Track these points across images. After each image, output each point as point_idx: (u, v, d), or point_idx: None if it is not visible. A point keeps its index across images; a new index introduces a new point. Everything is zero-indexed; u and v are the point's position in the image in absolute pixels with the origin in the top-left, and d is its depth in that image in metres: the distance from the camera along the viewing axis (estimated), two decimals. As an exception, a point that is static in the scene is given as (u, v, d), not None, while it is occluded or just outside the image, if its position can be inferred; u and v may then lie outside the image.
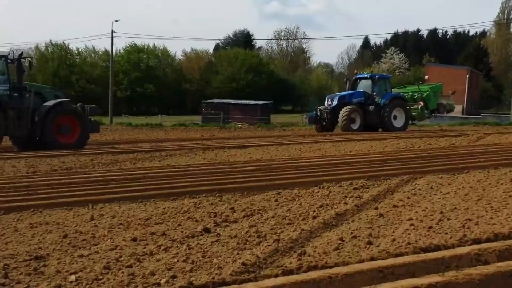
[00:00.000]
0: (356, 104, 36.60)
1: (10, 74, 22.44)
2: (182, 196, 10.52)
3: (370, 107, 36.66)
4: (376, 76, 38.85)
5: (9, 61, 22.79)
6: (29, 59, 25.60)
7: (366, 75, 39.97)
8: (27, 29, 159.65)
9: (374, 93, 37.44)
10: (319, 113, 37.40)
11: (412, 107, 39.30)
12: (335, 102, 36.90)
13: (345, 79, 43.39)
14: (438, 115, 43.02)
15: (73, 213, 9.02)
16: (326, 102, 37.91)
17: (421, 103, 39.41)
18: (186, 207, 9.45)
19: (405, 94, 39.98)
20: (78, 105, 24.25)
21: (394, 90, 40.58)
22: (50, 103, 22.60)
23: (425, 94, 39.83)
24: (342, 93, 39.46)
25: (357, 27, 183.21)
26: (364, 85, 38.41)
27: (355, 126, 35.78)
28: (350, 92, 38.11)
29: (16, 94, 22.11)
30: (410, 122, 39.00)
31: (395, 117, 37.25)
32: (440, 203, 9.50)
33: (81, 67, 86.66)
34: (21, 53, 24.86)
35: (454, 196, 10.20)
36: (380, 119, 36.71)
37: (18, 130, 21.92)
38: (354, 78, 39.96)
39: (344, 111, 35.57)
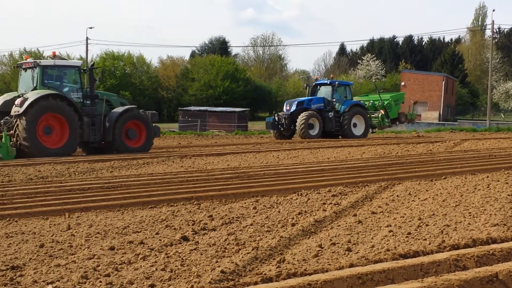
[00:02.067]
0: (315, 110, 36.40)
1: (83, 83, 24.73)
2: (159, 204, 10.48)
3: (330, 113, 36.47)
4: (336, 83, 38.57)
5: (82, 71, 24.92)
6: (101, 68, 28.26)
7: (326, 81, 39.66)
8: (1, 36, 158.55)
9: (334, 100, 37.28)
10: (277, 118, 37.06)
11: (372, 115, 39.31)
12: (293, 108, 36.63)
13: (305, 84, 43.19)
14: (400, 123, 42.91)
15: (49, 223, 8.94)
16: (284, 108, 37.56)
17: (382, 111, 39.35)
18: (164, 215, 9.40)
19: (366, 102, 39.86)
20: (140, 111, 25.95)
21: (356, 98, 40.57)
22: (119, 109, 24.57)
23: (386, 102, 39.76)
24: (300, 98, 39.23)
25: (333, 33, 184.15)
26: (324, 92, 38.21)
27: (314, 132, 35.64)
28: (309, 98, 37.91)
29: (88, 102, 24.09)
30: (370, 130, 39.01)
31: (354, 125, 37.12)
32: (418, 209, 9.53)
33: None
34: (93, 63, 27.30)
35: (432, 202, 10.24)
36: (340, 126, 36.60)
37: (92, 135, 23.77)
38: (314, 84, 39.78)
39: (302, 117, 35.31)
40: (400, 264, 5.60)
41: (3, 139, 21.46)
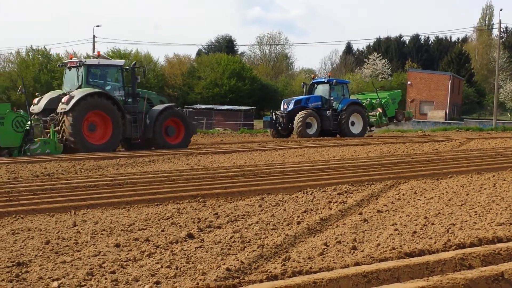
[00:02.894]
0: (313, 108, 36.24)
1: (125, 82, 25.68)
2: (165, 201, 10.49)
3: (327, 112, 36.36)
4: (334, 81, 38.32)
5: (124, 70, 26.03)
6: (143, 67, 29.51)
7: (323, 80, 39.55)
8: (8, 34, 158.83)
9: (331, 98, 37.11)
10: (274, 117, 36.99)
11: (370, 113, 39.16)
12: (290, 106, 36.50)
13: (302, 83, 43.05)
14: (397, 122, 42.75)
15: (55, 219, 8.96)
16: (282, 106, 37.41)
17: (380, 109, 39.21)
18: (170, 212, 9.41)
19: (363, 101, 39.71)
20: (178, 109, 27.22)
21: (353, 97, 40.38)
22: (159, 107, 25.70)
23: (383, 100, 39.61)
24: (298, 97, 38.93)
25: (339, 32, 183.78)
26: (322, 90, 38.06)
27: (311, 131, 35.51)
28: (306, 96, 37.75)
29: (130, 100, 25.15)
30: (368, 129, 38.88)
31: (352, 123, 36.94)
32: (424, 208, 9.51)
33: (62, 73, 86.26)
34: (135, 63, 27.90)
35: (438, 201, 10.23)
36: (337, 124, 36.45)
37: (134, 132, 24.85)
38: (311, 82, 39.60)
39: (299, 116, 35.19)
40: (406, 263, 5.59)
41: (50, 135, 22.56)
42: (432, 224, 8.16)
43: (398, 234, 7.51)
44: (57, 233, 7.88)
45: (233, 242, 7.12)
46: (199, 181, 13.17)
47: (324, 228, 8.08)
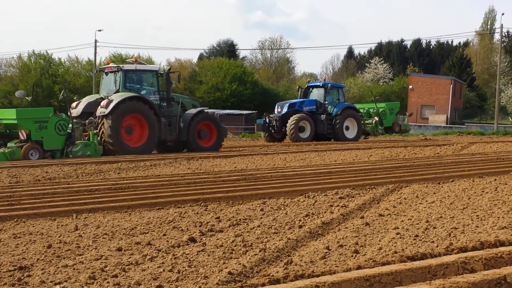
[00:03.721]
0: (307, 112, 36.07)
1: (160, 87, 26.53)
2: (167, 205, 10.49)
3: (322, 116, 36.17)
4: (329, 85, 38.09)
5: (159, 75, 26.93)
6: (178, 73, 30.05)
7: (318, 83, 39.30)
8: (9, 38, 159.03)
9: (326, 102, 36.97)
10: (267, 120, 36.89)
11: (366, 121, 39.04)
12: (284, 110, 36.34)
13: (297, 86, 42.87)
14: (393, 133, 42.50)
15: (57, 223, 8.96)
16: (275, 110, 37.28)
17: (376, 118, 39.06)
18: (171, 216, 9.41)
19: (361, 110, 39.56)
20: (210, 112, 28.46)
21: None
22: (193, 111, 26.71)
23: (381, 109, 39.44)
24: (292, 100, 38.92)
25: (341, 36, 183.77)
26: (317, 94, 37.86)
27: (305, 135, 35.33)
28: (301, 100, 37.60)
29: (164, 104, 26.04)
30: (363, 137, 38.74)
31: (347, 128, 36.74)
32: (426, 212, 9.51)
33: (64, 77, 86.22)
34: (169, 68, 29.34)
35: (439, 205, 10.22)
36: (331, 129, 36.24)
37: (169, 135, 25.79)
38: (306, 86, 39.34)
39: (292, 120, 35.03)
40: (408, 267, 5.59)
41: (90, 138, 23.39)
42: (434, 228, 8.15)
43: (400, 238, 7.50)
44: (59, 237, 7.88)
45: (235, 246, 7.12)
46: (200, 185, 13.17)
47: (326, 232, 8.08)
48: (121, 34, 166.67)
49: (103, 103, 23.97)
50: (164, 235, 7.94)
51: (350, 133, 36.88)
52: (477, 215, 9.11)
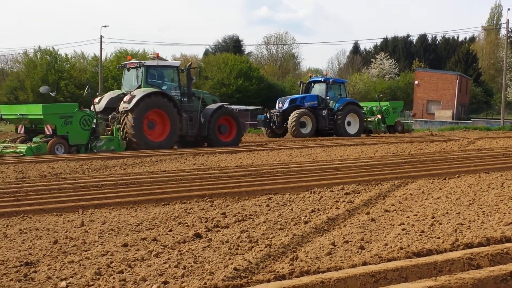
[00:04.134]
0: (308, 108, 36.05)
1: (180, 82, 27.21)
2: (173, 201, 10.50)
3: (323, 111, 36.18)
4: (331, 80, 38.19)
5: (180, 70, 27.57)
6: (198, 68, 31.42)
7: (320, 79, 39.28)
8: (16, 34, 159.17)
9: (328, 98, 36.93)
10: (269, 116, 36.86)
11: (369, 119, 38.89)
12: (285, 105, 36.39)
13: (299, 82, 42.68)
14: (396, 132, 42.29)
15: (63, 219, 8.97)
16: (277, 105, 37.25)
17: (379, 116, 38.92)
18: (177, 212, 9.42)
19: (364, 107, 39.51)
20: (230, 108, 29.10)
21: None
22: (213, 106, 27.47)
23: (384, 108, 39.29)
24: (293, 96, 38.83)
25: (347, 32, 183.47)
26: (318, 89, 37.89)
27: (306, 130, 35.31)
28: (302, 95, 37.59)
29: (185, 99, 26.82)
30: (365, 135, 38.49)
31: (349, 123, 36.69)
32: (432, 208, 9.50)
33: (70, 73, 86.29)
34: (190, 64, 29.85)
35: (445, 201, 10.21)
36: (333, 124, 36.20)
37: (190, 130, 26.47)
38: (308, 81, 39.34)
39: (293, 115, 35.08)
40: (414, 263, 5.58)
41: (114, 133, 24.17)
42: (440, 223, 8.14)
43: (406, 233, 7.50)
44: (65, 232, 7.89)
45: (240, 242, 7.12)
46: (206, 180, 13.18)
47: (332, 227, 8.08)
48: (127, 30, 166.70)
49: (126, 98, 24.63)
50: (170, 230, 7.94)
51: (352, 129, 36.81)
52: (483, 211, 9.09)
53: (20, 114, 23.51)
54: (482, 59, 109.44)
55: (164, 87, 26.43)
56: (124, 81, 27.58)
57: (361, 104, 40.54)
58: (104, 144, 23.47)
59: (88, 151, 22.83)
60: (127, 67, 27.15)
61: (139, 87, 25.66)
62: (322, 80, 38.34)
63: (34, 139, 22.98)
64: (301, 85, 39.47)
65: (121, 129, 24.39)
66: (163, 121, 25.46)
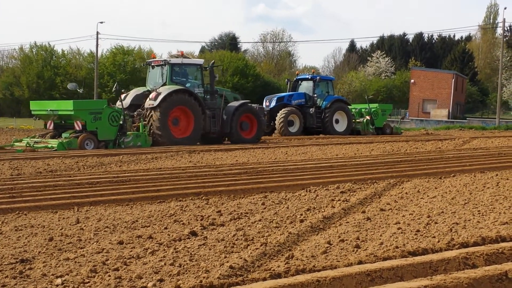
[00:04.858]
0: (296, 106, 35.87)
1: (204, 80, 27.86)
2: (168, 199, 10.49)
3: (311, 109, 36.04)
4: (318, 77, 37.95)
5: (203, 68, 28.15)
6: (221, 66, 31.77)
7: (307, 76, 39.04)
8: (11, 30, 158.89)
9: (315, 95, 36.77)
10: None
11: (357, 120, 38.79)
12: (273, 104, 36.24)
13: (286, 80, 42.48)
14: (383, 135, 42.14)
15: (58, 216, 8.96)
16: (264, 103, 36.95)
17: (368, 117, 38.78)
18: (173, 210, 9.41)
19: (353, 110, 39.30)
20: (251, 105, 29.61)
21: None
22: (235, 103, 28.10)
23: (373, 109, 39.12)
24: (280, 94, 38.60)
25: (343, 30, 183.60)
26: (305, 87, 37.74)
27: (294, 129, 35.18)
28: (289, 93, 37.40)
29: (208, 96, 27.34)
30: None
31: (337, 121, 36.53)
32: (427, 207, 9.51)
33: (65, 69, 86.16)
34: (213, 62, 30.02)
35: (441, 200, 10.22)
36: (321, 122, 36.09)
37: (213, 127, 27.10)
38: (295, 79, 39.14)
39: (281, 114, 34.94)
40: (409, 262, 5.59)
41: (140, 129, 24.78)
42: (436, 223, 8.15)
43: (401, 232, 7.51)
44: (60, 230, 7.88)
45: (236, 240, 7.12)
46: (202, 178, 13.17)
47: (327, 226, 8.08)
48: (123, 27, 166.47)
49: (152, 95, 25.22)
50: (166, 228, 7.94)
51: (340, 126, 36.66)
52: (479, 211, 9.11)
53: (50, 110, 23.91)
54: (478, 58, 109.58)
55: (188, 85, 26.98)
56: (148, 79, 28.14)
57: (350, 106, 40.26)
58: (132, 140, 24.17)
59: (115, 147, 23.50)
60: (152, 64, 27.73)
61: (164, 84, 26.28)
62: (309, 77, 38.09)
63: (63, 135, 23.42)
64: (288, 82, 39.24)
65: (147, 125, 25.00)
66: (187, 118, 26.06)
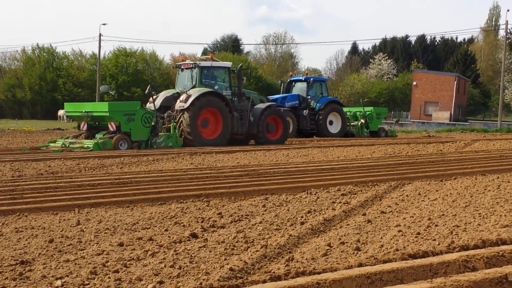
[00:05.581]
0: (289, 108, 35.64)
1: (232, 82, 28.55)
2: (169, 201, 10.49)
3: (304, 111, 35.90)
4: (311, 79, 37.79)
5: (231, 71, 28.76)
6: (249, 70, 33.22)
7: (300, 78, 38.85)
8: (14, 31, 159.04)
9: (309, 97, 36.60)
10: None
11: (352, 123, 38.66)
12: None
13: (279, 81, 42.28)
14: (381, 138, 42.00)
15: (59, 218, 8.96)
16: None
17: (362, 120, 38.63)
18: (173, 212, 9.41)
19: (348, 113, 39.13)
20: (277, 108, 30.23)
21: (345, 109, 39.52)
22: (262, 105, 28.72)
23: (367, 113, 38.94)
24: (274, 96, 38.31)
25: (346, 32, 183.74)
26: (299, 88, 37.56)
27: None
28: (283, 95, 37.21)
29: (235, 99, 28.07)
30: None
31: (331, 122, 36.37)
32: (428, 210, 9.50)
33: (68, 71, 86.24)
34: (241, 65, 30.21)
35: (442, 203, 10.21)
36: (315, 124, 35.93)
37: (240, 128, 27.80)
38: (288, 80, 38.93)
39: None
40: (409, 264, 5.59)
41: (171, 130, 25.57)
42: (436, 225, 8.14)
43: (402, 235, 7.50)
44: (61, 231, 7.87)
45: (236, 242, 7.11)
46: (203, 180, 13.17)
47: (328, 228, 8.07)
48: (126, 28, 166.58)
49: (182, 97, 25.95)
50: (166, 230, 7.94)
51: (334, 128, 36.50)
52: (479, 213, 9.10)
53: (84, 112, 24.62)
54: (481, 61, 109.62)
55: (216, 87, 27.67)
56: (178, 81, 28.94)
57: (345, 109, 39.92)
58: (163, 140, 24.87)
59: (148, 147, 24.18)
60: (182, 67, 28.50)
61: (194, 86, 26.99)
62: (303, 79, 37.90)
63: (97, 135, 24.01)
64: (282, 84, 39.04)
65: (177, 126, 25.62)
66: (216, 119, 26.76)
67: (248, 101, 28.45)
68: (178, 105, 25.93)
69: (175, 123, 25.68)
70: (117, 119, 23.67)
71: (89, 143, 23.10)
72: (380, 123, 40.72)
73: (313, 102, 36.54)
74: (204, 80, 27.39)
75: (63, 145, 23.52)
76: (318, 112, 35.94)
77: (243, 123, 27.82)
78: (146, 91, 27.71)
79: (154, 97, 26.72)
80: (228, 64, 29.67)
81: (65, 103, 27.93)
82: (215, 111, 26.50)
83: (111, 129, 23.83)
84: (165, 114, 26.64)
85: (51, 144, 24.16)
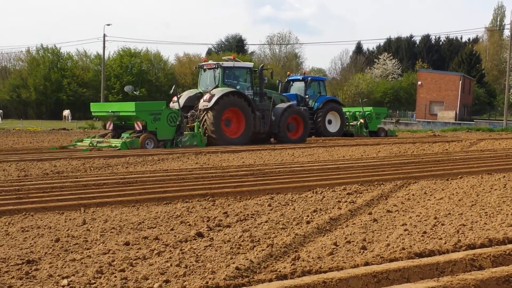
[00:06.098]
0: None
1: (253, 83, 28.94)
2: (175, 200, 10.48)
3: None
4: (309, 78, 37.51)
5: (253, 71, 29.19)
6: (271, 70, 33.40)
7: (298, 77, 38.67)
8: (18, 32, 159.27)
9: (307, 96, 36.45)
10: None
11: (351, 123, 38.56)
12: None
13: (277, 81, 42.16)
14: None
15: (65, 217, 8.96)
16: None
17: (362, 120, 38.48)
18: (179, 211, 9.40)
19: (347, 113, 39.00)
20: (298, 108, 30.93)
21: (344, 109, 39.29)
22: (283, 105, 29.49)
23: (367, 113, 38.74)
24: None
25: (350, 32, 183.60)
26: (297, 88, 37.39)
27: None
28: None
29: (257, 98, 28.52)
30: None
31: (329, 121, 36.25)
32: (434, 209, 9.48)
33: (72, 71, 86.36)
34: (263, 66, 30.79)
35: (448, 202, 10.19)
36: (313, 123, 35.69)
37: (262, 127, 28.42)
38: (286, 80, 38.77)
39: None
40: (416, 263, 5.57)
41: (195, 130, 26.12)
42: (442, 224, 8.13)
43: (408, 234, 7.48)
44: (67, 231, 7.88)
45: (242, 241, 7.11)
46: (208, 180, 13.17)
47: (334, 227, 8.06)
48: (130, 29, 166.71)
49: (206, 97, 26.53)
50: (172, 229, 7.93)
51: (333, 127, 36.35)
52: (486, 212, 9.08)
53: (111, 111, 25.20)
54: (486, 60, 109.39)
55: (238, 87, 28.12)
56: (200, 81, 29.45)
57: (344, 109, 39.68)
58: (188, 139, 25.42)
59: (173, 146, 24.71)
60: (204, 67, 29.00)
61: (216, 86, 27.43)
62: (301, 78, 37.66)
63: (123, 135, 24.53)
64: (280, 84, 38.87)
65: (201, 125, 26.20)
66: (239, 118, 27.34)
67: (270, 101, 28.90)
68: (202, 104, 26.43)
69: (199, 122, 26.17)
70: (144, 119, 24.14)
71: (116, 142, 23.71)
72: (380, 123, 40.59)
73: (311, 101, 36.38)
74: (226, 80, 27.82)
75: (90, 144, 24.15)
76: (317, 112, 35.83)
77: (265, 122, 28.37)
78: (171, 91, 28.23)
79: (178, 96, 27.07)
80: (249, 64, 30.23)
81: (91, 103, 28.13)
82: (237, 110, 27.04)
83: (137, 129, 24.36)
84: (189, 114, 27.01)
85: (79, 143, 24.81)
